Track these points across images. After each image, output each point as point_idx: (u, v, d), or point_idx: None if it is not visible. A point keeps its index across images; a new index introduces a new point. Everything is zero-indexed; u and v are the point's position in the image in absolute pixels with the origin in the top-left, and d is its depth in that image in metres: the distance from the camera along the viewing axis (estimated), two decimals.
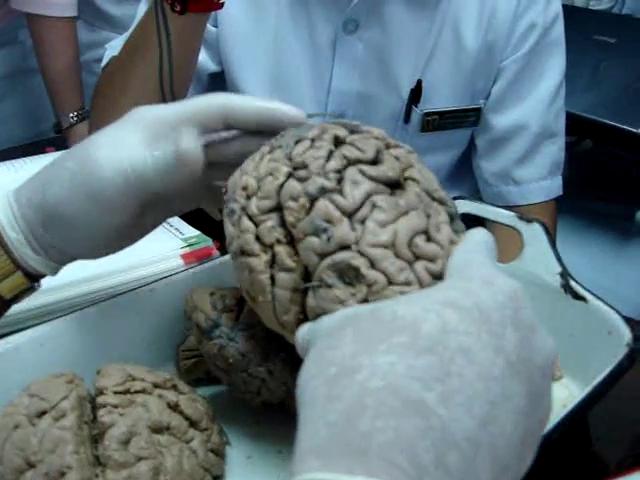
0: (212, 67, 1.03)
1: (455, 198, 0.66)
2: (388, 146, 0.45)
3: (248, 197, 0.44)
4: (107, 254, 0.52)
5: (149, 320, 0.58)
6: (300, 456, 0.29)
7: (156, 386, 0.47)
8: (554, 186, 1.06)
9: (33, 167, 0.50)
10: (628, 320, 0.55)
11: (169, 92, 0.78)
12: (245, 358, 0.49)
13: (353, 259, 0.39)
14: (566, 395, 0.57)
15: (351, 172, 0.41)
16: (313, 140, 0.43)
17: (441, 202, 0.43)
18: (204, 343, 0.51)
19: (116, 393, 0.46)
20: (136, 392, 0.46)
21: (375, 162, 0.43)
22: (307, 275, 0.41)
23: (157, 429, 0.45)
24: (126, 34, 0.95)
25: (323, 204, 0.40)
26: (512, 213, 0.63)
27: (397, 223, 0.40)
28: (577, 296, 0.58)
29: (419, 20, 0.97)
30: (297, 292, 0.42)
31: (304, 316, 0.42)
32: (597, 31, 1.55)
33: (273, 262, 0.42)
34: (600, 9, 1.63)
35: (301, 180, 0.42)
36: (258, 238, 0.43)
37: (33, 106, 1.65)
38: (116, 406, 0.45)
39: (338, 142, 0.43)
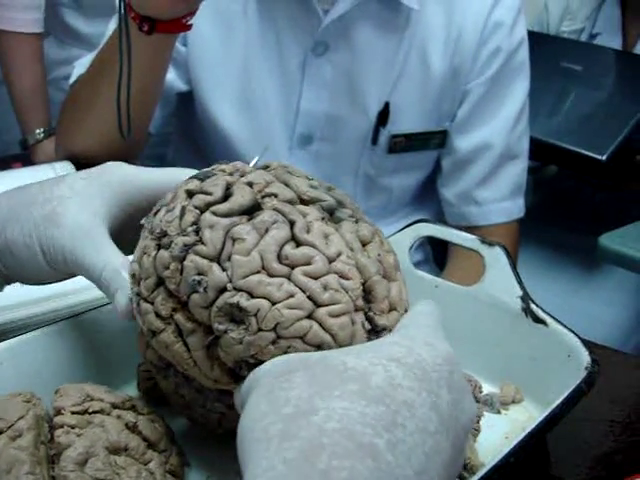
0: (181, 86, 1.03)
1: (419, 221, 0.66)
2: (244, 174, 0.45)
3: (138, 282, 0.45)
4: (45, 284, 0.54)
5: (110, 340, 0.58)
6: None
7: (115, 407, 0.47)
8: (515, 207, 1.08)
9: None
10: (587, 343, 0.55)
11: (125, 115, 0.78)
12: (202, 395, 0.49)
13: (231, 297, 0.40)
14: (526, 418, 0.58)
15: (205, 218, 0.42)
16: (167, 205, 0.44)
17: (311, 202, 0.44)
18: (160, 380, 0.51)
19: (74, 413, 0.45)
20: (94, 412, 0.46)
21: (226, 198, 0.43)
22: (210, 329, 0.42)
23: (115, 450, 0.44)
24: (95, 52, 0.95)
25: (190, 260, 0.41)
26: (474, 236, 0.63)
27: (260, 245, 0.40)
28: (537, 319, 0.59)
29: (387, 43, 0.99)
30: (209, 348, 0.42)
31: (227, 366, 0.42)
32: (564, 58, 1.57)
33: (180, 330, 0.43)
34: (573, 29, 1.66)
35: (167, 247, 0.42)
36: (157, 315, 0.43)
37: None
38: (73, 426, 0.44)
39: (191, 195, 0.44)
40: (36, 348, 0.55)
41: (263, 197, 0.43)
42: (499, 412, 0.58)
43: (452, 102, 1.04)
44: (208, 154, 1.07)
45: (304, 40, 0.98)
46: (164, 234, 0.43)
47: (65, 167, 0.93)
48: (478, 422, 0.53)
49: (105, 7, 1.46)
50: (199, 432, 0.54)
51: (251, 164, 0.51)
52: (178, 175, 0.50)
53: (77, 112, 0.95)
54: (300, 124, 1.03)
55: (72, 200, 0.49)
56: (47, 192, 0.50)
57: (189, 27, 0.83)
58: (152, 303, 0.44)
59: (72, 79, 1.01)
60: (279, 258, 0.40)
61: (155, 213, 0.45)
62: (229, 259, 0.40)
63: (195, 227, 0.42)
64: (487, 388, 0.60)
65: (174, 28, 0.82)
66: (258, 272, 0.40)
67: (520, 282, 0.61)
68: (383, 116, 1.02)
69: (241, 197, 0.42)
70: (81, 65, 1.00)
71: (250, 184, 0.44)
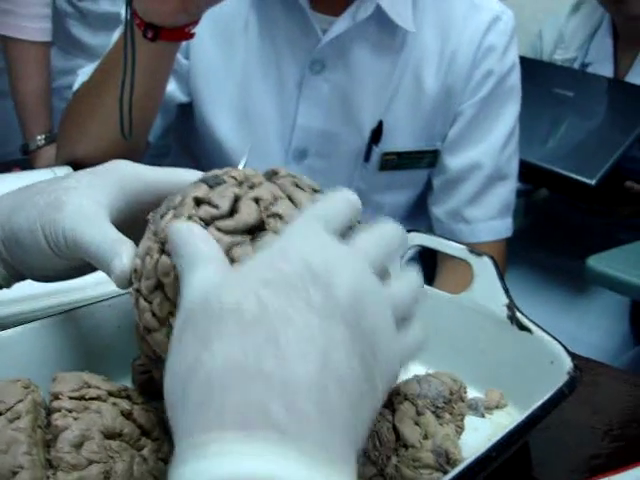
0: (181, 98, 1.06)
1: (410, 231, 0.68)
2: (253, 186, 0.46)
3: (139, 279, 0.46)
4: (56, 281, 0.55)
5: (106, 335, 0.59)
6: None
7: (111, 394, 0.48)
8: (503, 227, 1.10)
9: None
10: (572, 354, 0.57)
11: (127, 115, 0.80)
12: None
13: None
14: (509, 422, 0.58)
15: (210, 233, 0.42)
16: (175, 209, 0.45)
17: None
18: (154, 371, 0.52)
19: (71, 398, 0.46)
20: (91, 399, 0.47)
21: (232, 213, 0.44)
22: None
23: (110, 435, 0.46)
24: (99, 61, 0.97)
25: None
26: (463, 246, 0.65)
27: None
28: (522, 327, 0.61)
29: (383, 63, 1.01)
30: None
31: None
32: (557, 85, 1.60)
33: None
34: (566, 57, 1.69)
35: (169, 254, 0.43)
36: (154, 314, 0.45)
37: (1, 127, 1.66)
38: (70, 410, 0.45)
39: (199, 203, 0.45)
40: (33, 340, 0.56)
41: (268, 216, 0.43)
42: (483, 416, 0.60)
43: (444, 122, 1.06)
44: (205, 166, 1.09)
45: (302, 58, 1.01)
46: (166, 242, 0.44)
47: (65, 171, 0.94)
48: (462, 420, 0.54)
49: (110, 20, 1.49)
50: None
51: (240, 166, 0.52)
52: (184, 176, 0.52)
53: (79, 118, 0.97)
54: (296, 139, 1.05)
55: (77, 190, 0.50)
56: (54, 184, 0.51)
57: (192, 36, 0.85)
58: (150, 302, 0.45)
59: (75, 86, 1.03)
60: None
61: (162, 215, 0.46)
62: None
63: None
64: (472, 393, 0.61)
65: (177, 36, 0.85)
66: None
67: (506, 291, 0.63)
68: (376, 134, 1.04)
69: (247, 214, 0.43)
70: (84, 73, 1.02)
71: (257, 200, 0.44)
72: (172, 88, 1.02)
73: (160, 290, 0.44)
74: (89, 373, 0.50)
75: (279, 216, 0.44)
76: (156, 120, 1.00)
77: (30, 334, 0.56)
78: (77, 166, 0.95)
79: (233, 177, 0.46)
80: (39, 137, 1.47)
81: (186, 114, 1.08)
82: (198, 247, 0.40)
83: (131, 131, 0.83)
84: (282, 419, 0.31)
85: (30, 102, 1.48)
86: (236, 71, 1.03)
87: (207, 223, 0.43)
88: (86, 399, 0.47)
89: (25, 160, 1.46)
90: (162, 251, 0.44)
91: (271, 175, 0.48)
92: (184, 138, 1.14)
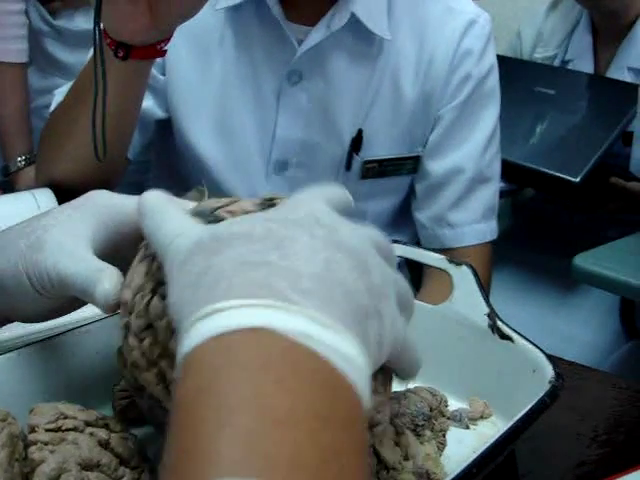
0: (159, 114, 1.05)
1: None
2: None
3: (128, 313, 0.45)
4: (38, 322, 0.55)
5: (85, 361, 0.59)
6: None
7: (88, 424, 0.48)
8: (488, 230, 1.10)
9: None
10: (554, 359, 0.57)
11: (100, 136, 0.79)
12: None
13: None
14: (494, 432, 0.59)
15: None
16: None
17: None
18: (138, 401, 0.51)
19: (47, 430, 0.46)
20: (67, 430, 0.47)
21: None
22: None
23: (87, 466, 0.45)
24: (74, 80, 0.97)
25: None
26: (442, 256, 0.65)
27: None
28: (504, 336, 0.60)
29: (360, 72, 1.01)
30: None
31: None
32: (538, 83, 1.60)
33: (163, 376, 0.43)
34: (546, 55, 1.69)
35: (162, 297, 0.42)
36: (144, 354, 0.44)
37: None
38: (47, 443, 0.45)
39: None
40: (12, 369, 0.55)
41: None
42: (468, 427, 0.60)
43: (424, 128, 1.06)
44: (186, 181, 1.09)
45: (279, 69, 1.01)
46: (161, 283, 0.42)
47: (45, 194, 0.93)
48: (444, 436, 0.54)
49: (86, 37, 1.47)
50: None
51: None
52: None
53: (56, 139, 0.97)
54: (276, 151, 1.05)
55: (56, 228, 0.49)
56: (33, 223, 0.51)
57: (163, 53, 0.85)
58: (140, 341, 0.44)
59: (52, 107, 1.02)
60: None
61: (155, 254, 0.44)
62: None
63: None
64: (456, 404, 0.61)
65: (149, 54, 0.84)
66: None
67: (487, 300, 0.62)
68: (356, 143, 1.04)
69: None
70: (61, 93, 1.01)
71: None
72: (149, 104, 1.02)
73: (151, 331, 0.43)
74: (66, 403, 0.49)
75: None
76: (135, 137, 1.00)
77: (7, 364, 0.56)
78: (57, 187, 0.95)
79: (231, 213, 0.44)
80: (19, 159, 1.47)
81: (165, 130, 1.08)
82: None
83: (105, 152, 0.83)
84: (286, 290, 0.32)
85: (9, 124, 1.47)
86: (213, 85, 1.03)
87: None
88: (63, 430, 0.47)
89: (6, 182, 1.45)
90: (155, 292, 0.43)
91: (267, 205, 0.46)
92: (164, 154, 1.14)
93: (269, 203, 0.46)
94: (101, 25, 0.80)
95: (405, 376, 0.44)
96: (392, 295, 0.38)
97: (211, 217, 0.44)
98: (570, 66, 1.66)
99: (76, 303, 0.53)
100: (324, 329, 0.31)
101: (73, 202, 0.52)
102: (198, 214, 0.44)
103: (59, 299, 0.51)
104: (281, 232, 0.35)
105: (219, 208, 0.45)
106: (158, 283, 0.43)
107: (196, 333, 0.31)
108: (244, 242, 0.35)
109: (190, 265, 0.36)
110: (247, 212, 0.44)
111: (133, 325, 0.44)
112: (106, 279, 0.47)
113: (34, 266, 0.49)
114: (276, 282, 0.32)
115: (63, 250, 0.48)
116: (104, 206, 0.51)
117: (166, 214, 0.42)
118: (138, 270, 0.45)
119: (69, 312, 0.55)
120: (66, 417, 0.48)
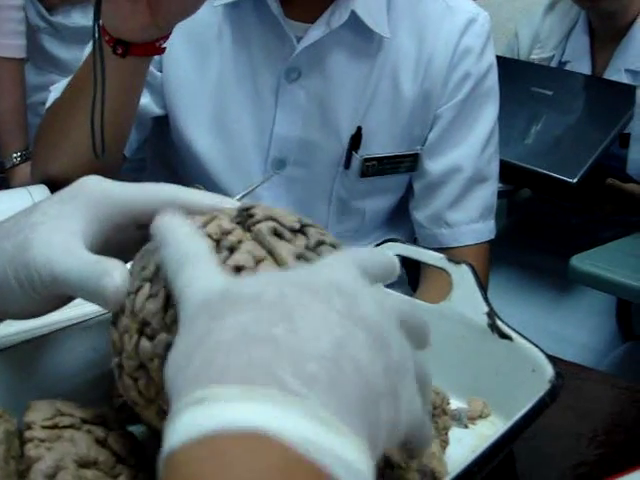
0: (156, 111, 1.05)
1: (388, 241, 0.68)
2: (232, 248, 0.42)
3: (119, 354, 0.44)
4: (33, 318, 0.53)
5: (82, 357, 0.58)
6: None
7: (85, 421, 0.47)
8: (486, 229, 1.10)
9: None
10: (553, 359, 0.57)
11: (99, 133, 0.79)
12: None
13: None
14: (493, 432, 0.58)
15: None
16: (151, 281, 0.43)
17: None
18: (139, 412, 0.51)
19: (44, 428, 0.45)
20: (64, 427, 0.46)
21: None
22: None
23: (84, 464, 0.45)
24: (71, 77, 0.96)
25: None
26: (441, 255, 0.65)
27: None
28: (503, 335, 0.60)
29: (359, 69, 1.01)
30: None
31: None
32: (536, 83, 1.60)
33: (164, 411, 0.43)
34: (543, 56, 1.69)
35: (150, 338, 0.41)
36: (141, 393, 0.43)
37: None
38: (43, 440, 0.44)
39: None
40: (9, 366, 0.55)
41: None
42: (467, 427, 0.59)
43: (423, 126, 1.06)
44: (183, 178, 1.08)
45: (277, 66, 1.00)
46: (147, 323, 0.42)
47: (40, 190, 0.93)
48: (446, 434, 0.53)
49: (83, 34, 1.48)
50: None
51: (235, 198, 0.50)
52: (157, 192, 0.50)
53: (52, 135, 0.96)
54: (274, 149, 1.04)
55: (45, 225, 0.48)
56: (21, 222, 0.49)
57: (162, 50, 0.85)
58: (135, 380, 0.43)
59: (48, 103, 1.02)
60: None
61: (137, 290, 0.43)
62: None
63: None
64: (455, 403, 0.61)
65: (147, 51, 0.84)
66: None
67: (486, 299, 0.62)
68: (355, 140, 1.03)
69: None
70: (57, 89, 1.01)
71: (238, 269, 0.41)
72: (146, 101, 1.01)
73: (144, 370, 0.43)
74: (63, 400, 0.49)
75: None
76: (131, 134, 0.99)
77: (4, 361, 0.55)
78: (52, 184, 0.94)
79: (209, 236, 0.43)
80: (15, 155, 1.46)
81: (162, 127, 1.08)
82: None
83: (104, 149, 0.82)
84: (287, 378, 0.30)
85: (5, 120, 1.47)
86: (211, 82, 1.03)
87: None
88: (59, 427, 0.46)
89: (1, 178, 1.45)
90: (141, 332, 0.42)
91: (246, 218, 0.45)
92: (160, 151, 1.13)
93: (247, 213, 0.45)
94: (100, 22, 0.79)
95: (413, 454, 0.41)
96: (411, 372, 0.36)
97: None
98: (567, 67, 1.66)
99: (67, 299, 0.52)
100: (325, 431, 0.29)
101: (63, 193, 0.51)
102: None
103: (49, 299, 0.49)
104: (294, 299, 0.33)
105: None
106: (143, 324, 0.42)
107: (184, 428, 0.29)
108: (251, 307, 0.33)
109: (195, 325, 0.34)
110: (226, 232, 0.43)
111: (125, 366, 0.43)
112: (116, 272, 0.44)
113: (23, 267, 0.47)
114: (277, 366, 0.30)
115: (53, 248, 0.47)
116: (95, 197, 0.50)
117: (191, 253, 0.39)
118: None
119: (59, 308, 0.54)
120: (63, 414, 0.47)
